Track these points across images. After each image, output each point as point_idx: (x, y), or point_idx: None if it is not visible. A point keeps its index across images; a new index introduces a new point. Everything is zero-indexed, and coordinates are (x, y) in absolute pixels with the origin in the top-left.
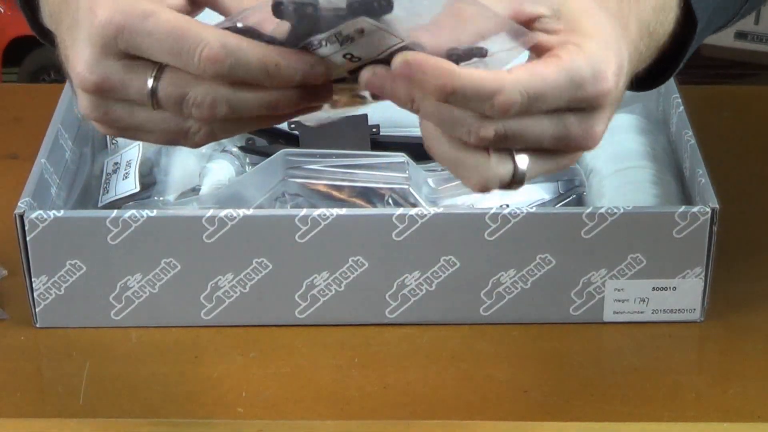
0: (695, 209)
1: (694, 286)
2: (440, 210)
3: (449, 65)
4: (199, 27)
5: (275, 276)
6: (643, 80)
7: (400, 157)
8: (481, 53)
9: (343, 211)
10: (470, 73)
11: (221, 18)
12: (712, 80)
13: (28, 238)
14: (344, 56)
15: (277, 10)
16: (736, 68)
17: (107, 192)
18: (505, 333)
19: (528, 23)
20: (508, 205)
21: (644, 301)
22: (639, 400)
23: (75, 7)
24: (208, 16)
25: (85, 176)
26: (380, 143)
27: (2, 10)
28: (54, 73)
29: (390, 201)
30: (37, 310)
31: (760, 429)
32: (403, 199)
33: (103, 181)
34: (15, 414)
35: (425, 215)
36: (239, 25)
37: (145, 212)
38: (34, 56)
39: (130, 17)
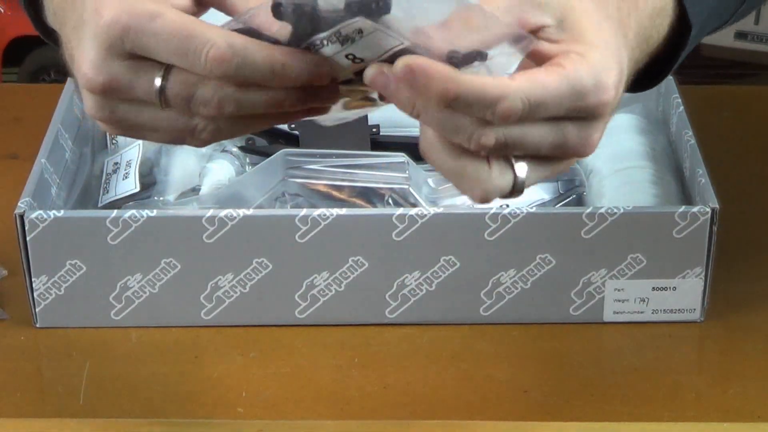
0: (695, 209)
1: (694, 286)
2: (440, 210)
3: (452, 71)
4: (205, 28)
5: (275, 276)
6: (635, 82)
7: (400, 157)
8: (482, 57)
9: (343, 211)
10: (473, 80)
11: (226, 18)
12: (712, 80)
13: (28, 238)
14: (347, 57)
15: (277, 12)
16: (736, 68)
17: (107, 192)
18: (505, 333)
19: (532, 33)
20: (508, 205)
21: (644, 301)
22: (639, 400)
23: (81, 7)
24: (214, 17)
25: (85, 176)
26: (380, 143)
27: (2, 10)
28: (54, 73)
29: (390, 201)
30: (37, 310)
31: (760, 429)
32: (403, 199)
33: (103, 181)
34: (15, 414)
35: (425, 215)
36: (243, 26)
37: (145, 212)
38: (34, 56)
39: (136, 18)
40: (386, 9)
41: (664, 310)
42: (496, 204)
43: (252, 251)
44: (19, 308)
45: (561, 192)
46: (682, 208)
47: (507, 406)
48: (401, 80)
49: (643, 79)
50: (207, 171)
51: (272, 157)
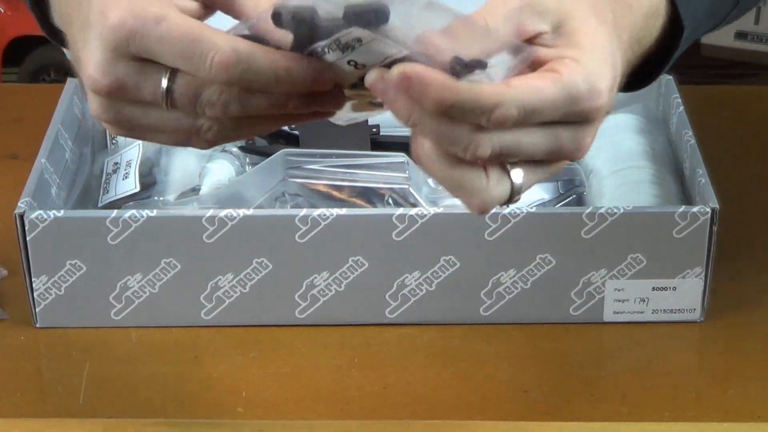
0: (695, 209)
1: (694, 286)
2: (440, 210)
3: (447, 79)
4: (210, 32)
5: (275, 276)
6: (627, 82)
7: (400, 157)
8: (483, 66)
9: (343, 211)
10: (468, 87)
11: (232, 21)
12: (712, 80)
13: (28, 238)
14: (349, 63)
15: (277, 20)
16: (736, 68)
17: (107, 192)
18: (505, 333)
19: (530, 40)
20: (508, 205)
21: (644, 301)
22: (639, 400)
23: (87, 8)
24: (220, 21)
25: (85, 176)
26: (380, 143)
27: (2, 10)
28: (54, 73)
29: (390, 201)
30: (37, 310)
31: (760, 429)
32: (403, 199)
33: (103, 181)
34: (15, 414)
35: (425, 215)
36: (249, 32)
37: (145, 212)
38: (34, 56)
39: (142, 21)
40: (384, 19)
41: (664, 310)
42: None
43: (252, 251)
44: (19, 308)
45: (561, 192)
46: (682, 208)
47: (507, 406)
48: (397, 87)
49: (635, 78)
50: (207, 171)
51: (272, 157)
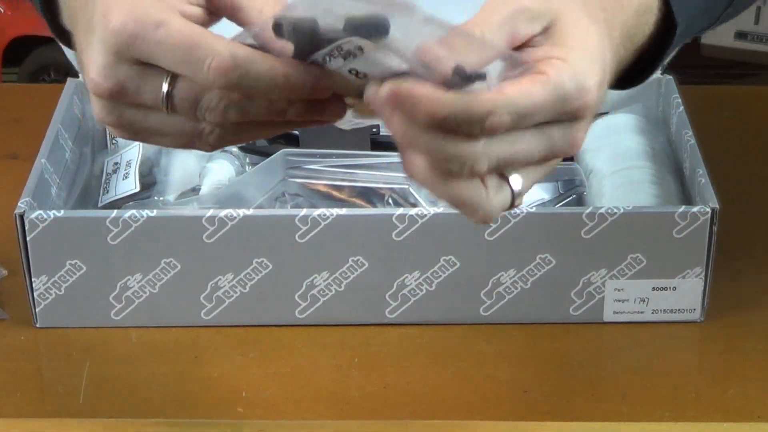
0: (695, 209)
1: (694, 286)
2: (440, 210)
3: (437, 92)
4: (209, 37)
5: (275, 276)
6: (620, 80)
7: (400, 157)
8: (483, 77)
9: (343, 211)
10: (460, 98)
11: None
12: (712, 80)
13: (28, 238)
14: (350, 71)
15: (278, 30)
16: (736, 68)
17: (107, 192)
18: (505, 333)
19: (524, 45)
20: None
21: (644, 301)
22: (639, 400)
23: (91, 11)
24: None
25: (85, 176)
26: (380, 143)
27: (2, 10)
28: (54, 73)
29: (390, 201)
30: (37, 310)
31: (760, 429)
32: (403, 199)
33: (103, 181)
34: (15, 414)
35: (425, 215)
36: (252, 40)
37: (145, 212)
38: (34, 56)
39: (143, 26)
40: (384, 31)
41: (664, 310)
42: None
43: (252, 251)
44: (19, 308)
45: (561, 192)
46: (682, 208)
47: (507, 406)
48: (389, 104)
49: (629, 76)
50: (207, 171)
51: (272, 157)
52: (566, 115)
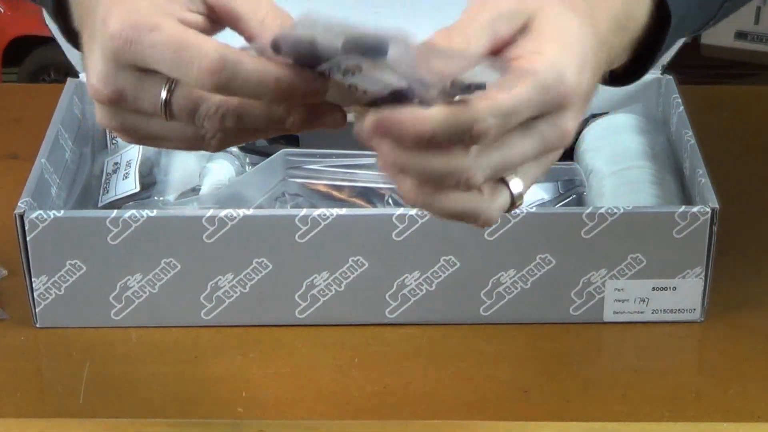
0: (695, 209)
1: (694, 286)
2: None
3: (419, 111)
4: (199, 39)
5: (275, 276)
6: (622, 75)
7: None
8: (482, 87)
9: (343, 211)
10: (442, 112)
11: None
12: (712, 80)
13: (28, 238)
14: (350, 87)
15: (276, 48)
16: (736, 68)
17: (107, 192)
18: (505, 333)
19: (507, 44)
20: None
21: (644, 301)
22: (639, 400)
23: (94, 16)
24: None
25: (85, 176)
26: None
27: (2, 10)
28: (54, 73)
29: (390, 201)
30: (37, 310)
31: (760, 429)
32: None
33: (103, 181)
34: (15, 414)
35: (425, 215)
36: (253, 53)
37: (145, 212)
38: (34, 56)
39: (137, 30)
40: (382, 52)
41: (664, 310)
42: None
43: (252, 251)
44: (19, 308)
45: (561, 192)
46: (682, 208)
47: (507, 406)
48: (375, 133)
49: (629, 70)
50: (207, 171)
51: (272, 157)
52: (550, 106)
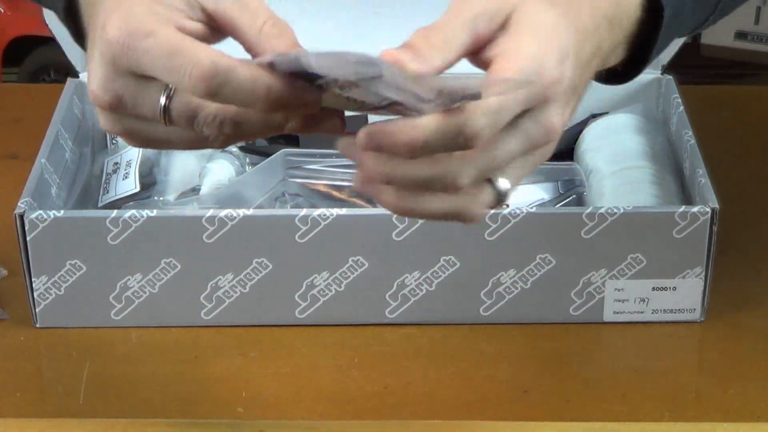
0: (695, 209)
1: (694, 286)
2: None
3: (409, 120)
4: (193, 46)
5: (275, 276)
6: (621, 73)
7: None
8: (477, 97)
9: (343, 211)
10: (434, 119)
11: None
12: (712, 80)
13: (28, 238)
14: (348, 99)
15: (272, 68)
16: (736, 68)
17: (107, 192)
18: (505, 333)
19: (488, 43)
20: (508, 205)
21: (644, 301)
22: (639, 400)
23: (96, 21)
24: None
25: (85, 176)
26: None
27: (2, 10)
28: (54, 73)
29: None
30: (37, 310)
31: (760, 429)
32: None
33: (103, 181)
34: (15, 414)
35: None
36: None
37: (145, 212)
38: (34, 56)
39: (133, 36)
40: (378, 71)
41: (664, 310)
42: None
43: (252, 251)
44: (19, 308)
45: (561, 192)
46: (682, 208)
47: (507, 406)
48: (368, 147)
49: (628, 67)
50: (207, 171)
51: (272, 157)
52: (533, 101)
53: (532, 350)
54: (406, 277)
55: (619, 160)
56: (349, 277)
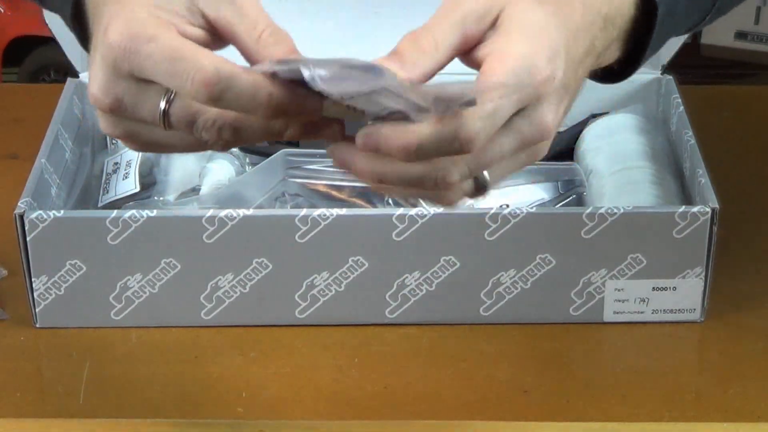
0: (695, 209)
1: (694, 286)
2: (440, 210)
3: (404, 125)
4: (196, 52)
5: (275, 276)
6: (617, 71)
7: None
8: (472, 103)
9: (343, 211)
10: (429, 125)
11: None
12: (712, 80)
13: (28, 238)
14: (348, 107)
15: (274, 77)
16: (736, 68)
17: (107, 192)
18: (505, 333)
19: (478, 43)
20: (508, 205)
21: (644, 301)
22: (639, 400)
23: (99, 24)
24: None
25: (85, 176)
26: None
27: (2, 10)
28: (54, 73)
29: (390, 201)
30: (37, 310)
31: (760, 429)
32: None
33: (103, 181)
34: (15, 414)
35: (425, 215)
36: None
37: (145, 212)
38: (34, 56)
39: (136, 40)
40: (380, 80)
41: (664, 310)
42: (496, 204)
43: (252, 251)
44: (19, 308)
45: (561, 192)
46: (682, 208)
47: (507, 406)
48: (365, 149)
49: (625, 68)
50: (207, 171)
51: (272, 157)
52: (526, 100)
53: (532, 350)
54: (406, 277)
55: (619, 160)
56: (349, 277)
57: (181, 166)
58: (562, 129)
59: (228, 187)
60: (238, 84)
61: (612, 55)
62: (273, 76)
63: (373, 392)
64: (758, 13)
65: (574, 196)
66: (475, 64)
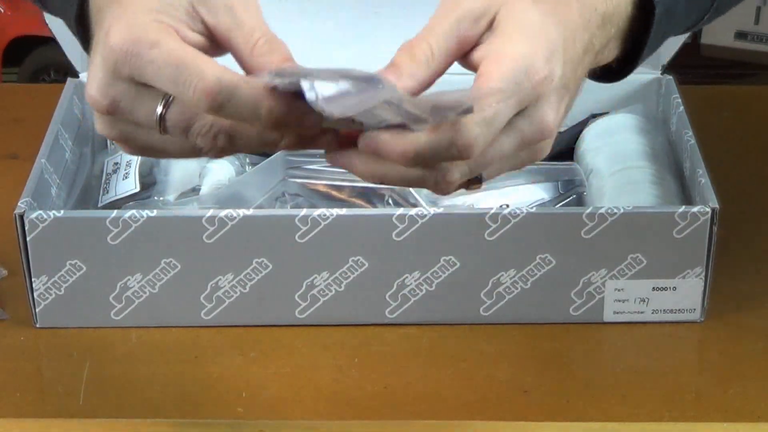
0: (695, 209)
1: (694, 286)
2: (440, 210)
3: (402, 133)
4: (199, 60)
5: (275, 276)
6: (616, 70)
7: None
8: (468, 111)
9: (343, 211)
10: (426, 133)
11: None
12: (712, 80)
13: (28, 238)
14: (346, 119)
15: (275, 89)
16: (736, 68)
17: (107, 192)
18: (505, 333)
19: (475, 46)
20: (508, 205)
21: (644, 301)
22: (639, 400)
23: (100, 26)
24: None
25: (85, 176)
26: None
27: (2, 10)
28: (54, 73)
29: (390, 201)
30: (37, 310)
31: (760, 429)
32: (403, 199)
33: (103, 181)
34: (15, 414)
35: (425, 215)
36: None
37: (145, 212)
38: (34, 56)
39: (138, 44)
40: (380, 89)
41: (664, 310)
42: (496, 204)
43: (252, 251)
44: (19, 308)
45: (561, 192)
46: (682, 208)
47: (507, 406)
48: (368, 152)
49: (624, 64)
50: (207, 171)
51: (272, 157)
52: (526, 101)
53: (532, 350)
54: (406, 277)
55: (619, 160)
56: (349, 277)
57: (181, 166)
58: (562, 129)
59: (228, 187)
60: (239, 95)
61: (610, 53)
62: (273, 89)
63: (373, 392)
64: (758, 13)
65: (574, 196)
66: (473, 67)
